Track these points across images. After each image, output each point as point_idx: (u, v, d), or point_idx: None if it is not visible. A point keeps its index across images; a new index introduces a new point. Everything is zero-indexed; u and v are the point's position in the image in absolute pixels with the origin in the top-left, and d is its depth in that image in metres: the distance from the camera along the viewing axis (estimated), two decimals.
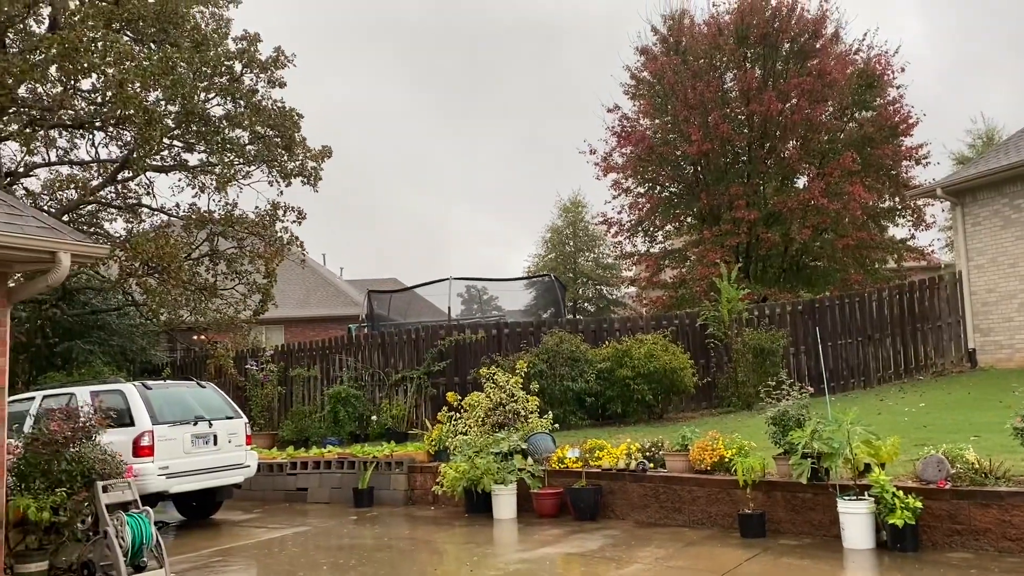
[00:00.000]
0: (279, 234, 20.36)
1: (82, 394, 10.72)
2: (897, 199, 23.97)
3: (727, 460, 9.40)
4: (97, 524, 8.16)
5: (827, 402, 8.62)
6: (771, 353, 14.80)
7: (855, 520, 7.74)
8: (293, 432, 15.69)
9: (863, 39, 24.11)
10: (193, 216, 18.72)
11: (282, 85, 19.88)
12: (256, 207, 20.03)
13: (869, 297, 17.41)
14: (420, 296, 22.91)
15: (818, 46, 23.15)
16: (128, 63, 15.87)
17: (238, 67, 19.44)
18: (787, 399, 9.01)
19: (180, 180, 20.86)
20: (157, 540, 7.92)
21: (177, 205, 20.24)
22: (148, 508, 8.04)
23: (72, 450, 8.06)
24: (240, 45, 19.04)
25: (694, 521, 9.32)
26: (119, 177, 19.87)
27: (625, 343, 14.56)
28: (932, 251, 25.54)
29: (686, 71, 23.10)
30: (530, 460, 10.85)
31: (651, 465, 9.97)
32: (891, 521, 7.37)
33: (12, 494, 7.74)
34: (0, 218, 7.28)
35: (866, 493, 7.77)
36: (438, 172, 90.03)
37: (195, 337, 27.68)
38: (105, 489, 7.92)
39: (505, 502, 10.45)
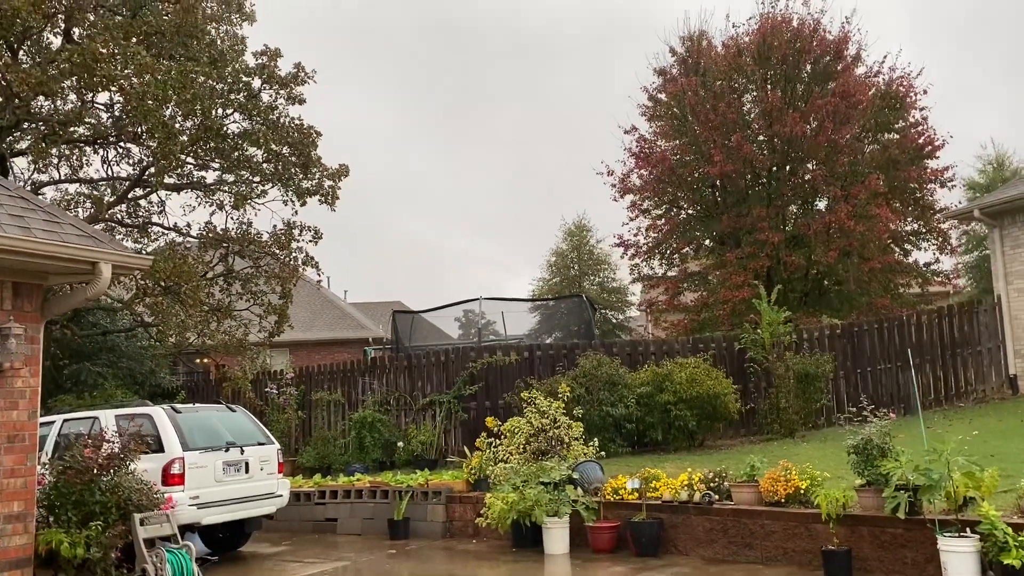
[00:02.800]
0: (294, 254, 19.80)
1: (106, 418, 10.08)
2: (921, 223, 23.56)
3: (802, 491, 8.83)
4: (132, 560, 7.53)
5: (922, 430, 8.02)
6: (816, 378, 14.24)
7: (960, 560, 7.13)
8: (314, 459, 15.01)
9: (883, 61, 23.82)
10: (209, 234, 18.12)
11: (301, 102, 19.34)
12: (274, 226, 19.43)
13: (908, 321, 16.90)
14: (428, 320, 22.25)
15: (840, 68, 22.83)
16: (147, 76, 15.35)
17: (256, 83, 18.95)
18: (868, 424, 8.45)
19: (193, 199, 20.33)
20: None
21: (188, 225, 19.68)
22: (189, 543, 7.40)
23: (106, 479, 7.43)
24: (260, 60, 18.54)
25: (767, 558, 8.72)
26: (130, 196, 19.31)
27: (665, 367, 13.97)
28: (958, 275, 25.08)
29: (707, 92, 22.73)
30: (579, 490, 10.23)
31: (716, 497, 9.37)
32: (1006, 561, 6.76)
33: (40, 528, 7.10)
34: (37, 224, 6.72)
35: (968, 529, 7.19)
36: (432, 196, 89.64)
37: (198, 361, 27.02)
38: (142, 522, 7.29)
39: (558, 536, 9.82)
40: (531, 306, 27.57)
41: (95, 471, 7.27)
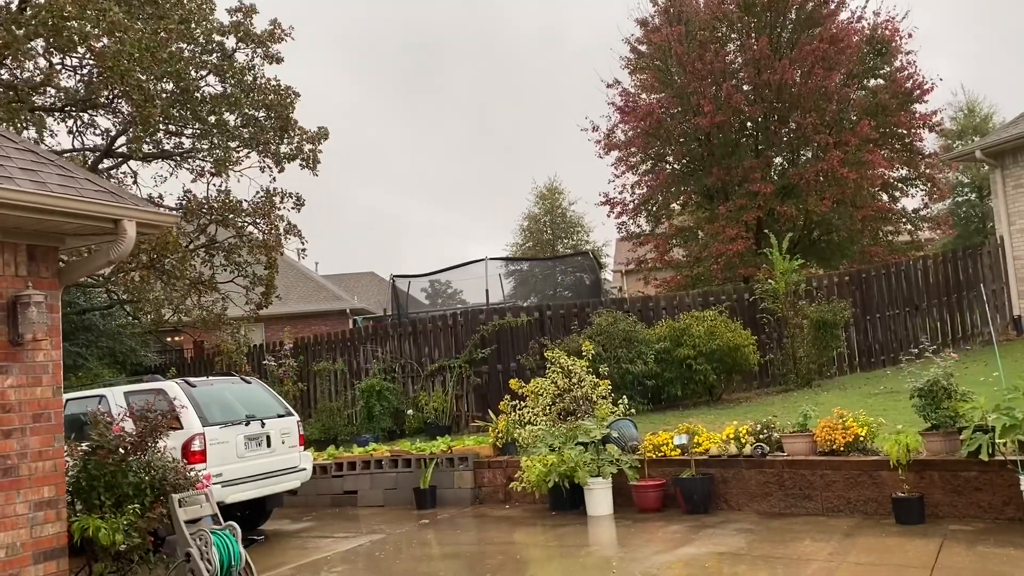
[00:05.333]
0: (275, 222, 19.01)
1: (115, 395, 9.40)
2: (909, 168, 23.42)
3: (862, 439, 8.50)
4: (162, 544, 6.94)
5: (999, 366, 7.70)
6: (833, 326, 13.95)
7: None
8: (319, 431, 14.42)
9: (865, 5, 23.59)
10: (191, 204, 17.24)
11: (279, 60, 18.47)
12: (256, 193, 18.59)
13: (914, 266, 16.71)
14: (401, 289, 21.36)
15: (825, 13, 22.44)
16: (120, 34, 14.39)
17: (231, 42, 18.02)
18: (935, 366, 8.11)
19: (165, 169, 19.47)
20: (247, 562, 6.73)
21: (160, 196, 18.77)
22: (233, 524, 6.82)
23: (137, 458, 6.80)
24: (235, 18, 17.62)
25: (829, 509, 8.39)
26: (100, 167, 18.31)
27: (682, 320, 13.59)
28: (949, 222, 25.06)
29: (693, 41, 22.20)
30: (618, 449, 9.81)
31: (767, 448, 9.01)
32: None
33: (72, 514, 6.48)
34: (52, 179, 6.01)
35: None
36: (385, 163, 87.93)
37: (170, 339, 26.11)
38: (181, 503, 6.69)
39: (601, 497, 9.42)
40: (505, 273, 26.93)
41: (129, 449, 6.64)
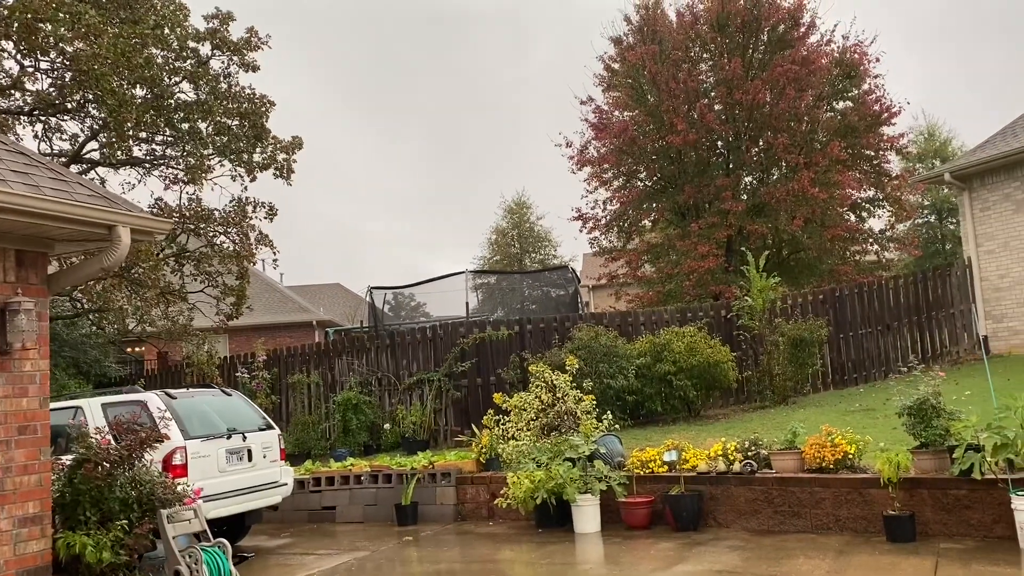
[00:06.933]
0: (247, 231, 18.73)
1: (92, 407, 9.11)
2: (876, 190, 23.86)
3: (851, 456, 8.54)
4: (139, 559, 6.72)
5: (991, 387, 7.80)
6: (810, 344, 14.07)
7: None
8: (293, 445, 14.13)
9: (834, 29, 23.99)
10: (163, 212, 16.91)
11: (255, 69, 18.27)
12: (229, 201, 18.30)
13: (886, 285, 16.95)
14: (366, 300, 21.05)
15: (796, 36, 22.82)
16: (96, 38, 14.10)
17: (206, 49, 17.79)
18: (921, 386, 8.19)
19: (134, 176, 19.08)
20: None
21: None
22: (223, 541, 6.62)
23: (123, 472, 6.58)
24: (211, 24, 17.39)
25: (818, 527, 8.41)
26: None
27: (662, 336, 13.61)
28: (915, 243, 25.53)
29: (667, 60, 22.42)
30: (606, 466, 9.75)
31: (756, 465, 9.02)
32: None
33: (56, 530, 6.24)
34: (45, 182, 5.82)
35: None
36: (347, 174, 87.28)
37: (129, 350, 25.56)
38: (169, 519, 6.48)
39: (590, 514, 9.34)
40: (474, 287, 26.83)
41: (116, 462, 6.41)
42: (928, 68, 64.94)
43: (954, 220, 30.87)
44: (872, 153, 23.08)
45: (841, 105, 23.79)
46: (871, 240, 24.01)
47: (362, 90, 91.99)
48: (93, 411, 9.04)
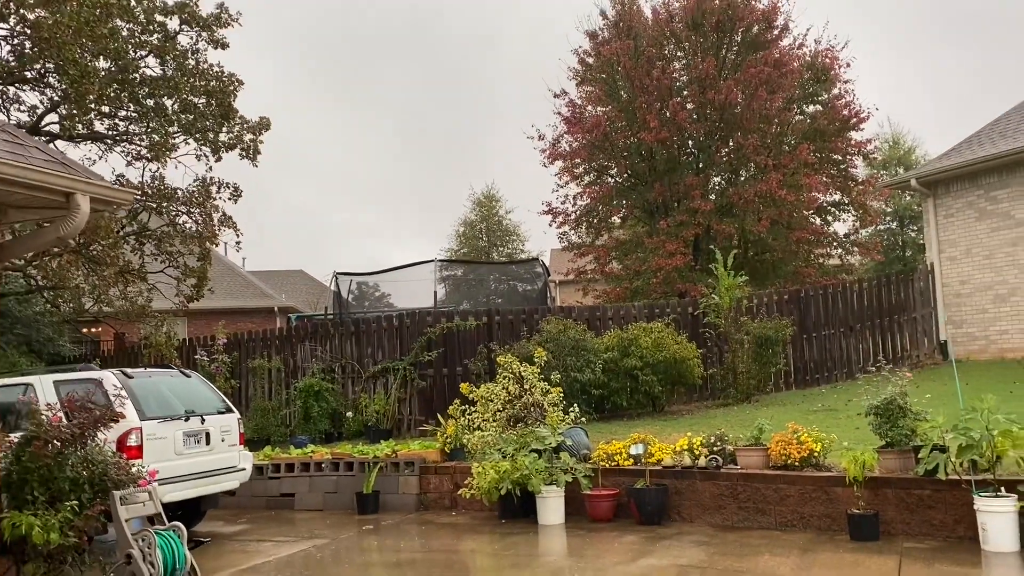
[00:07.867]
0: (211, 212, 18.37)
1: (43, 384, 8.80)
2: (842, 193, 24.08)
3: (816, 454, 8.54)
4: (90, 542, 6.49)
5: (958, 390, 7.83)
6: (775, 343, 14.13)
7: (1000, 520, 6.93)
8: (252, 430, 13.86)
9: (806, 33, 24.20)
10: (124, 187, 16.46)
11: (224, 46, 17.94)
12: (192, 181, 17.95)
13: (850, 288, 17.10)
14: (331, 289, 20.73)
15: (770, 37, 22.93)
16: (58, 4, 13.69)
17: (173, 23, 17.40)
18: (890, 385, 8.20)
19: (94, 151, 18.64)
20: (192, 566, 6.32)
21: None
22: (179, 524, 6.41)
23: (75, 452, 6.33)
24: None
25: (783, 523, 8.39)
26: None
27: (631, 331, 13.56)
28: (878, 247, 25.80)
29: (641, 56, 22.40)
30: (572, 458, 9.67)
31: (721, 461, 8.99)
32: None
33: (1, 510, 5.98)
34: None
35: (1003, 488, 7.02)
36: (312, 160, 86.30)
37: (85, 331, 24.97)
38: (122, 500, 6.25)
39: (554, 506, 9.24)
40: (439, 278, 26.60)
41: (67, 440, 6.16)
42: (895, 77, 65.88)
43: (915, 227, 31.32)
44: (840, 157, 23.30)
45: (811, 108, 24.00)
46: (835, 244, 24.23)
47: (331, 78, 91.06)
48: (45, 388, 8.74)
